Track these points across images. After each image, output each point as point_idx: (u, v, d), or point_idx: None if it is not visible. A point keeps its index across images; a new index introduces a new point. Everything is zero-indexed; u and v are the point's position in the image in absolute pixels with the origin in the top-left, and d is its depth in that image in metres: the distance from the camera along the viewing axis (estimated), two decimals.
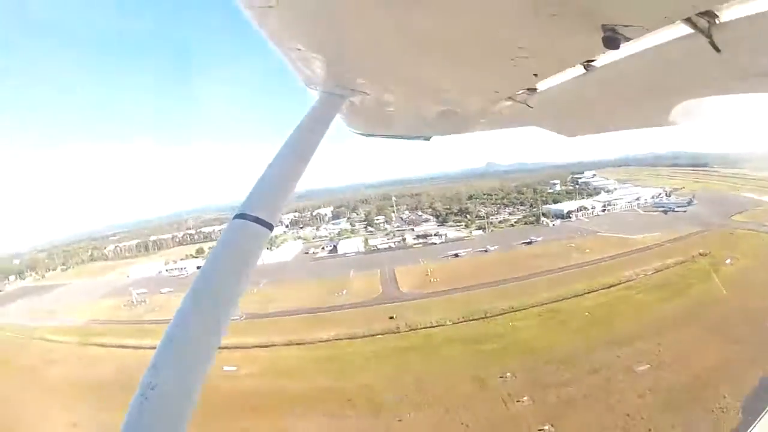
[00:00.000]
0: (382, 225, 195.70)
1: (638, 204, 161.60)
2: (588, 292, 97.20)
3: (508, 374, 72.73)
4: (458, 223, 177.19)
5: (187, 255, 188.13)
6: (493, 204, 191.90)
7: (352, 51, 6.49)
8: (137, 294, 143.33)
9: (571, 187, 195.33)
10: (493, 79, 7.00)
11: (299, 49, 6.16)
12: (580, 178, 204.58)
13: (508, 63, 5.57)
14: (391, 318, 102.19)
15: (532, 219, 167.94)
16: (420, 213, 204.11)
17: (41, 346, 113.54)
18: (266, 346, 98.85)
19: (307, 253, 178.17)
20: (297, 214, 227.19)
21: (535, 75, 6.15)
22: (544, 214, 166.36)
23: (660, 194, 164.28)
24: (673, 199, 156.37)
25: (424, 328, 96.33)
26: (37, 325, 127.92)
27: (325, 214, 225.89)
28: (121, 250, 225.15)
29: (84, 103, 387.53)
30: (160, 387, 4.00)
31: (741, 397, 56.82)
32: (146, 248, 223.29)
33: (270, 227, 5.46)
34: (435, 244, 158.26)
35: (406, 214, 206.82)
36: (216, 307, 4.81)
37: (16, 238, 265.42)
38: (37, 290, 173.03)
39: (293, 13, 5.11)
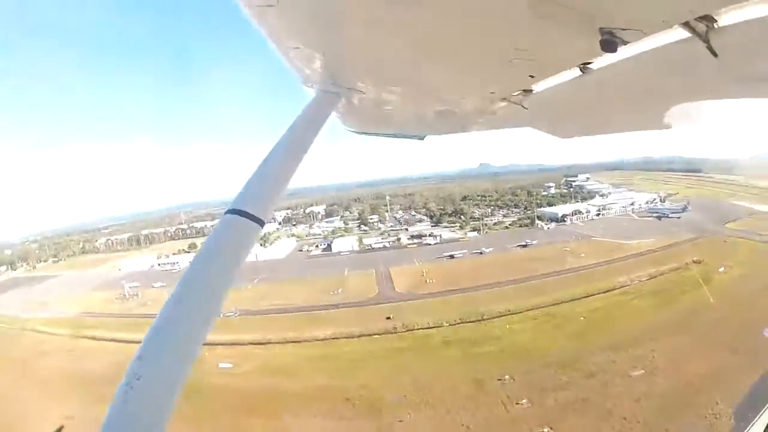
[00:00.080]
0: (375, 224, 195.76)
1: (633, 209, 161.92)
2: (584, 297, 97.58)
3: (507, 377, 72.49)
4: (452, 224, 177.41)
5: (179, 250, 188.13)
6: (487, 205, 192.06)
7: (348, 50, 6.63)
8: (130, 288, 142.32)
9: (565, 190, 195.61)
10: (490, 80, 7.13)
11: (297, 48, 6.32)
12: (574, 181, 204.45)
13: (505, 64, 5.74)
14: (388, 318, 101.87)
15: (526, 222, 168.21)
16: (414, 213, 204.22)
17: (33, 338, 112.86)
18: (262, 344, 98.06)
19: (301, 250, 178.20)
20: (289, 211, 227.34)
21: (532, 76, 6.26)
22: (538, 217, 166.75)
23: (654, 200, 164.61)
24: (667, 204, 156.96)
25: (421, 329, 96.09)
26: (28, 316, 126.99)
27: (318, 212, 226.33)
28: (112, 243, 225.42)
29: (80, 100, 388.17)
30: (145, 377, 4.12)
31: (733, 403, 57.08)
32: (138, 242, 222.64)
33: (261, 223, 5.65)
34: (430, 244, 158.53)
35: (399, 214, 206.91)
36: (205, 300, 4.93)
37: (7, 228, 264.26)
38: (29, 281, 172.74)
39: (293, 12, 5.29)
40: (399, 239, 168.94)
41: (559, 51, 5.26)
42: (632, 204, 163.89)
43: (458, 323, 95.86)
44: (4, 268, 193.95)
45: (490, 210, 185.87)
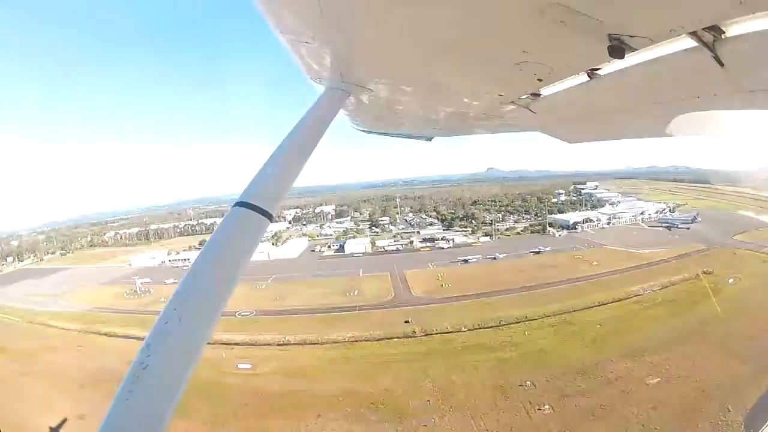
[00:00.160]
0: (387, 226, 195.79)
1: (643, 218, 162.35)
2: (598, 305, 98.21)
3: (528, 382, 72.37)
4: (464, 228, 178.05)
5: (190, 246, 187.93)
6: (497, 210, 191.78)
7: (358, 48, 6.80)
8: (141, 283, 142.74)
9: (574, 197, 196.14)
10: (498, 82, 7.30)
11: (307, 43, 6.53)
12: (583, 188, 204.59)
13: (514, 67, 5.86)
14: (407, 322, 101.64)
15: (538, 228, 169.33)
16: (424, 216, 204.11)
17: (41, 332, 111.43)
18: (280, 345, 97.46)
19: (313, 251, 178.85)
20: (299, 210, 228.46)
21: (540, 80, 6.37)
22: (550, 224, 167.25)
23: (664, 209, 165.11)
24: (677, 215, 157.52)
25: (440, 333, 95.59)
26: (37, 309, 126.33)
27: (328, 213, 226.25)
28: (121, 237, 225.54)
29: (92, 95, 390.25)
30: (152, 368, 4.19)
31: (743, 411, 58.62)
32: (147, 237, 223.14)
33: (270, 217, 5.77)
34: (443, 248, 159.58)
35: (410, 216, 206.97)
36: (212, 292, 5.02)
37: (14, 218, 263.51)
38: (37, 273, 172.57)
39: (305, 8, 5.52)
40: (412, 242, 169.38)
41: (568, 55, 5.51)
42: (642, 213, 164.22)
43: (477, 328, 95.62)
44: (11, 259, 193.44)
45: (501, 215, 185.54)
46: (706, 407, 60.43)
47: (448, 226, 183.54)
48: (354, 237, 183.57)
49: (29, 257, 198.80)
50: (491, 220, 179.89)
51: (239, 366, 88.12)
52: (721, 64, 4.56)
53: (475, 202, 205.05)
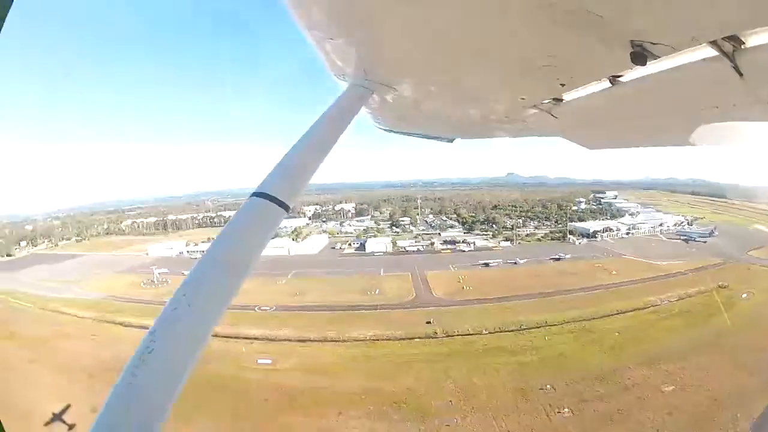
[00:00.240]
0: (407, 226, 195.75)
1: (661, 230, 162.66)
2: (617, 314, 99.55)
3: (548, 386, 74.08)
4: (485, 232, 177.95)
5: (208, 238, 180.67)
6: (518, 216, 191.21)
7: (383, 47, 6.83)
8: (158, 273, 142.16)
9: (594, 206, 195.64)
10: (521, 85, 7.25)
11: (332, 39, 6.61)
12: (602, 197, 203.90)
13: (537, 70, 5.89)
14: (428, 323, 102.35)
15: (558, 235, 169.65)
16: (444, 218, 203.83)
17: (54, 319, 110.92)
18: (301, 341, 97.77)
19: (333, 248, 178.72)
20: (318, 207, 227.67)
21: (563, 85, 6.42)
22: (570, 232, 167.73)
23: (682, 222, 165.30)
24: (694, 228, 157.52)
25: (461, 335, 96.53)
26: (50, 296, 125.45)
27: (348, 210, 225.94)
28: (138, 226, 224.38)
29: (111, 81, 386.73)
30: (157, 352, 4.26)
31: (750, 419, 60.68)
32: (164, 227, 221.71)
33: (287, 208, 5.80)
34: (463, 251, 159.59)
35: (430, 218, 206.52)
36: (223, 280, 5.04)
37: (29, 203, 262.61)
38: (51, 259, 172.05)
39: (333, 5, 5.69)
40: (433, 243, 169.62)
41: (590, 60, 5.51)
42: (661, 225, 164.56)
43: (498, 331, 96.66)
44: (24, 243, 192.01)
45: (521, 221, 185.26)
46: (717, 415, 62.55)
47: (469, 229, 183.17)
48: (375, 236, 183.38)
49: (43, 242, 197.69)
50: (512, 225, 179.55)
51: (259, 361, 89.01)
52: (741, 74, 4.65)
53: (495, 206, 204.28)
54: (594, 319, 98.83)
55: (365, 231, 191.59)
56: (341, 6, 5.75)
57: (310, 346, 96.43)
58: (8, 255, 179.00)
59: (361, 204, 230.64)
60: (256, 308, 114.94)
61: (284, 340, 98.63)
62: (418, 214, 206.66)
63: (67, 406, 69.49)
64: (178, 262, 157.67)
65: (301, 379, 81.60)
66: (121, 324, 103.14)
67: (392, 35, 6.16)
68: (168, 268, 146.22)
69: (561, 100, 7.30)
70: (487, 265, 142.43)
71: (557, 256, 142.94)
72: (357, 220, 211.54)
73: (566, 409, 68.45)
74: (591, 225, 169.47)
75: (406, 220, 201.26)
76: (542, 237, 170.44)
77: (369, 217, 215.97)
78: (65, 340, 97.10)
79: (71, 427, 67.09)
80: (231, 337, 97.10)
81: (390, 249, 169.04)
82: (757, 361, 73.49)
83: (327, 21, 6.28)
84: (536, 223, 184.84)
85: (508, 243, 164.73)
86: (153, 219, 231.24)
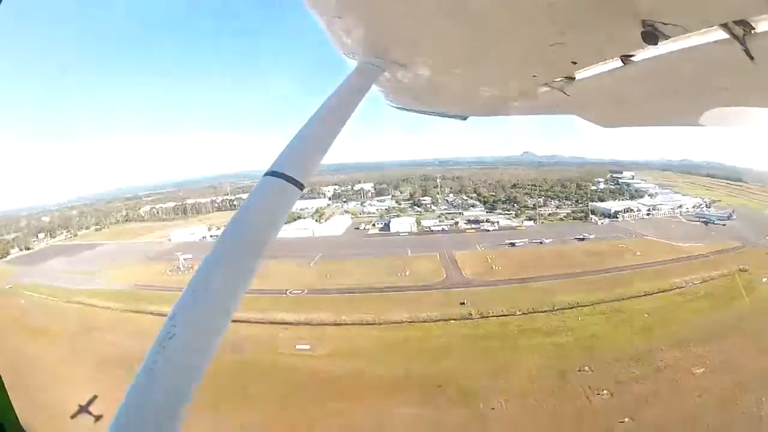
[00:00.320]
0: (429, 206, 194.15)
1: (680, 212, 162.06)
2: (644, 295, 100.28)
3: (586, 368, 75.64)
4: (507, 212, 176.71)
5: None
6: (538, 195, 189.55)
7: (391, 22, 6.89)
8: (184, 260, 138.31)
9: (612, 186, 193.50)
10: (533, 62, 7.44)
11: (340, 18, 6.81)
12: (620, 177, 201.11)
13: (549, 48, 6.04)
14: (462, 304, 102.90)
15: (579, 215, 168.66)
16: (465, 197, 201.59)
17: (80, 311, 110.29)
18: (336, 325, 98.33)
19: (357, 228, 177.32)
20: (337, 187, 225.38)
21: (574, 63, 6.65)
22: (592, 212, 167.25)
23: (701, 205, 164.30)
24: (713, 211, 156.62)
25: (495, 316, 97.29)
26: (74, 287, 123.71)
27: (368, 191, 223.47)
28: (157, 212, 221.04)
29: (123, 68, 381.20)
30: (178, 337, 4.37)
31: None
32: (184, 212, 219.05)
33: (301, 186, 5.95)
34: (488, 230, 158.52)
35: (450, 197, 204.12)
36: (241, 261, 5.20)
37: (44, 192, 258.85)
38: (70, 250, 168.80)
39: None
40: (457, 223, 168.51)
41: (602, 39, 5.74)
42: (680, 207, 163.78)
43: (531, 312, 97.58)
44: (42, 235, 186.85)
45: (542, 200, 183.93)
46: (742, 398, 64.20)
47: (491, 209, 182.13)
48: (398, 216, 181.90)
49: (62, 233, 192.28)
50: (533, 204, 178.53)
51: (297, 347, 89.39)
52: (752, 58, 4.70)
53: (514, 185, 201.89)
54: (623, 299, 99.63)
55: (387, 211, 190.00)
56: None
57: (346, 329, 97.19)
58: (27, 248, 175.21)
59: (380, 184, 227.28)
60: (287, 292, 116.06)
61: (320, 324, 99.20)
62: (438, 194, 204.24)
63: (94, 397, 69.66)
64: (202, 247, 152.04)
65: (342, 364, 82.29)
66: (151, 313, 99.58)
67: (401, 12, 6.38)
68: (192, 253, 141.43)
69: (573, 78, 7.61)
70: (513, 244, 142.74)
71: (582, 236, 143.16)
72: (377, 200, 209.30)
73: (605, 391, 70.22)
74: (612, 205, 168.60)
75: (427, 199, 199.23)
76: (564, 216, 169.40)
77: (389, 196, 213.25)
78: (97, 332, 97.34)
79: (98, 418, 66.51)
80: (265, 323, 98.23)
81: (414, 229, 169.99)
82: None
83: None
84: (556, 202, 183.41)
85: (531, 222, 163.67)
86: (172, 204, 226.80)
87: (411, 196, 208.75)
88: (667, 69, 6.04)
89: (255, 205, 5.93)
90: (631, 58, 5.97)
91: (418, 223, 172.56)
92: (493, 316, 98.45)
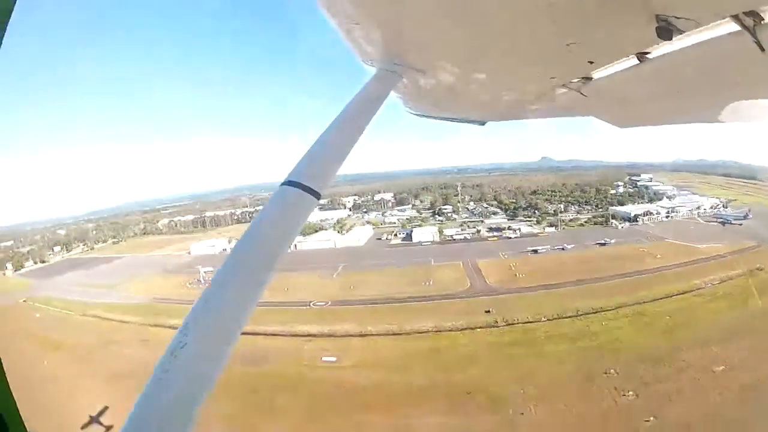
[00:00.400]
0: (450, 215, 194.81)
1: (698, 213, 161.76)
2: (665, 297, 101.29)
3: (612, 370, 77.10)
4: (528, 219, 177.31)
5: None
6: (558, 201, 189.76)
7: (409, 28, 6.97)
8: (204, 272, 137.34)
9: (631, 190, 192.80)
10: (549, 64, 7.46)
11: (358, 24, 6.89)
12: (637, 180, 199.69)
13: (565, 48, 6.07)
14: (487, 312, 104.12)
15: (600, 220, 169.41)
16: (486, 205, 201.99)
17: (98, 325, 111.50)
18: (362, 336, 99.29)
19: (379, 239, 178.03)
20: (357, 197, 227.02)
21: (591, 62, 6.65)
22: (613, 216, 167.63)
23: (718, 205, 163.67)
24: (729, 211, 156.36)
25: (521, 323, 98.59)
26: (91, 301, 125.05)
27: (388, 200, 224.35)
28: (176, 225, 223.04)
29: (134, 76, 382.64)
30: (190, 346, 4.34)
31: None
32: (203, 224, 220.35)
33: (318, 196, 5.96)
34: (510, 238, 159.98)
35: (471, 205, 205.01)
36: (255, 272, 5.17)
37: (60, 205, 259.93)
38: (87, 263, 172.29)
39: None
40: (479, 231, 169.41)
41: (617, 37, 5.71)
42: (698, 208, 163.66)
43: (556, 318, 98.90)
44: (58, 248, 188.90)
45: (563, 206, 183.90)
46: (762, 395, 65.73)
47: (512, 216, 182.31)
48: (420, 225, 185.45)
49: (78, 246, 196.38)
50: (554, 211, 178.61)
51: (324, 359, 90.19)
52: (763, 50, 4.73)
53: (534, 191, 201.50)
54: (645, 302, 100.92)
55: (408, 221, 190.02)
56: None
57: (372, 340, 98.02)
58: (42, 261, 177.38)
59: (400, 193, 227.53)
60: (311, 304, 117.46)
61: (345, 335, 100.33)
62: (459, 202, 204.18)
63: (105, 408, 70.92)
64: (221, 259, 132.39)
65: (369, 376, 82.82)
66: (171, 327, 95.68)
67: (419, 18, 6.39)
68: (213, 266, 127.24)
69: (590, 78, 7.56)
70: (535, 251, 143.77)
71: (603, 241, 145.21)
72: (398, 210, 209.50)
73: (630, 392, 72.00)
74: (631, 209, 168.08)
75: (448, 208, 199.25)
76: (585, 222, 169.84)
77: (410, 206, 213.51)
78: (115, 347, 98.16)
79: (108, 428, 68.17)
80: (290, 335, 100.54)
81: (437, 238, 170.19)
82: None
83: (353, 6, 6.55)
84: (577, 207, 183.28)
85: (552, 229, 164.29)
86: (191, 217, 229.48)
87: (431, 205, 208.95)
88: (681, 65, 6.24)
89: (271, 215, 6.06)
90: (647, 56, 6.15)
91: (440, 232, 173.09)
92: (518, 323, 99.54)
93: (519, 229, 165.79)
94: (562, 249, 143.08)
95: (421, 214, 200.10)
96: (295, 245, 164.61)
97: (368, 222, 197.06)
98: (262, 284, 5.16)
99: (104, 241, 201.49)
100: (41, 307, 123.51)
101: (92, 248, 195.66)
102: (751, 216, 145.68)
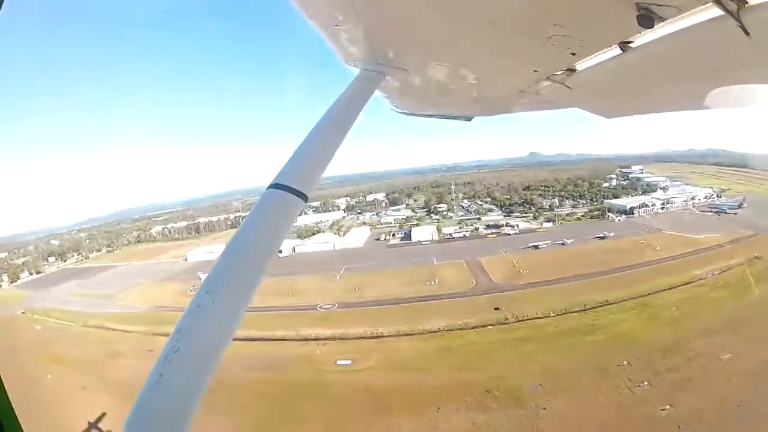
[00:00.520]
0: (446, 213, 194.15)
1: (693, 203, 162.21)
2: (669, 289, 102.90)
3: (625, 362, 78.43)
4: (524, 214, 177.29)
5: None
6: (551, 195, 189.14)
7: (389, 28, 7.10)
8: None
9: (624, 182, 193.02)
10: (532, 58, 7.50)
11: (338, 26, 6.95)
12: (629, 173, 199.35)
13: (547, 41, 6.03)
14: (497, 309, 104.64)
15: (596, 213, 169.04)
16: (480, 202, 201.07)
17: (100, 336, 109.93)
18: (374, 338, 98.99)
19: (377, 239, 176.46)
20: (349, 198, 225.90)
21: (573, 54, 6.60)
22: (609, 209, 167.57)
23: (712, 195, 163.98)
24: (724, 200, 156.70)
25: (531, 319, 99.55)
26: (90, 311, 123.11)
27: (381, 201, 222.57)
28: (170, 232, 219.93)
29: (127, 85, 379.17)
30: (183, 351, 4.45)
31: None
32: (197, 230, 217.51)
33: (305, 198, 6.07)
34: (509, 234, 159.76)
35: (465, 203, 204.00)
36: (245, 275, 5.31)
37: (51, 215, 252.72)
38: (83, 273, 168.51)
39: None
40: (477, 229, 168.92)
41: (598, 27, 5.73)
42: (693, 198, 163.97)
43: (564, 313, 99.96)
44: (53, 259, 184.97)
45: (556, 200, 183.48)
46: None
47: (508, 212, 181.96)
48: (417, 225, 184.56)
49: (72, 256, 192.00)
50: (550, 206, 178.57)
51: (338, 362, 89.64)
52: (747, 34, 4.66)
53: (527, 187, 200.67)
54: (650, 294, 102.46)
55: (405, 220, 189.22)
56: None
57: (384, 342, 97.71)
58: (38, 272, 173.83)
59: (392, 193, 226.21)
60: (318, 307, 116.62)
61: (356, 338, 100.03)
62: (453, 200, 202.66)
63: (103, 415, 69.49)
64: None
65: (387, 377, 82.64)
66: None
67: (398, 17, 6.58)
68: None
69: (573, 70, 7.57)
70: (536, 247, 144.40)
71: (601, 235, 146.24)
72: (393, 210, 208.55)
73: (645, 382, 73.61)
74: (627, 201, 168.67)
75: (443, 206, 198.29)
76: (581, 216, 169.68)
77: (404, 205, 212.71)
78: (120, 358, 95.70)
79: None
80: (301, 340, 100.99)
81: (436, 237, 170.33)
82: None
83: (333, 8, 6.65)
84: (571, 201, 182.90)
85: (550, 224, 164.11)
86: (184, 223, 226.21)
87: (426, 204, 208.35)
88: (665, 53, 6.16)
89: (259, 218, 6.13)
90: (629, 45, 6.12)
91: (439, 230, 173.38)
92: (528, 319, 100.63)
93: (517, 225, 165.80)
94: (562, 244, 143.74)
95: (416, 213, 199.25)
96: (294, 249, 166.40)
97: (365, 223, 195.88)
98: (253, 287, 5.38)
99: (99, 250, 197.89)
100: (40, 319, 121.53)
101: (87, 257, 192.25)
102: (745, 205, 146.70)
